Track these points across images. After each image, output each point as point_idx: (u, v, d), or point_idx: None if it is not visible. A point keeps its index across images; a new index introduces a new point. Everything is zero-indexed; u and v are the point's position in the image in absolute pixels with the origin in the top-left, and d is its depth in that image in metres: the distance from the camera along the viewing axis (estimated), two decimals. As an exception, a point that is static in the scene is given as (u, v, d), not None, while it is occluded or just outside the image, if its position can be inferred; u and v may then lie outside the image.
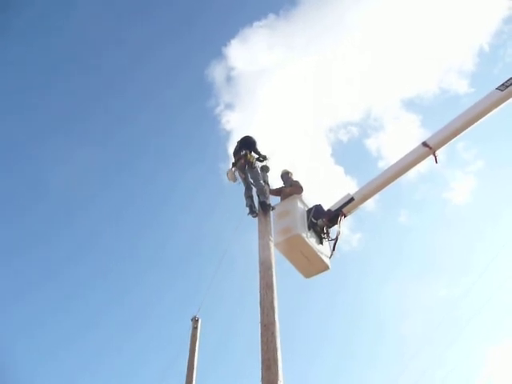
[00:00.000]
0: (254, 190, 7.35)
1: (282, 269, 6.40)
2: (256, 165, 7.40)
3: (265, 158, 7.78)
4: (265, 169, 7.73)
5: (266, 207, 6.88)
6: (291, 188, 7.29)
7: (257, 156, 7.66)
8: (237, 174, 7.52)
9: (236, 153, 7.65)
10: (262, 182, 7.25)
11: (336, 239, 6.57)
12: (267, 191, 7.23)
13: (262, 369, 4.84)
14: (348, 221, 6.84)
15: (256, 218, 6.93)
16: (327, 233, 6.67)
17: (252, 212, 7.07)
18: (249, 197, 7.27)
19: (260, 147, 7.77)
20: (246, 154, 7.35)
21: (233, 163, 7.56)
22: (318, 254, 6.35)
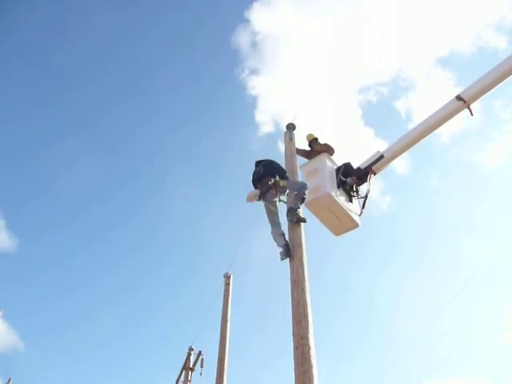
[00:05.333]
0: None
1: (311, 226, 6.46)
2: (286, 181, 6.22)
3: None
4: (291, 126, 7.41)
5: (298, 219, 5.93)
6: (322, 148, 7.15)
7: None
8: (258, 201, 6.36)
9: (259, 179, 6.43)
10: (302, 182, 6.23)
11: (365, 197, 6.55)
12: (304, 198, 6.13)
13: (292, 323, 5.00)
14: (379, 184, 6.75)
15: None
16: (357, 191, 6.65)
17: (288, 254, 5.77)
18: (281, 235, 6.05)
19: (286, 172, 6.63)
20: (275, 183, 6.13)
21: (260, 195, 6.30)
22: (348, 212, 6.37)
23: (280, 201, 6.24)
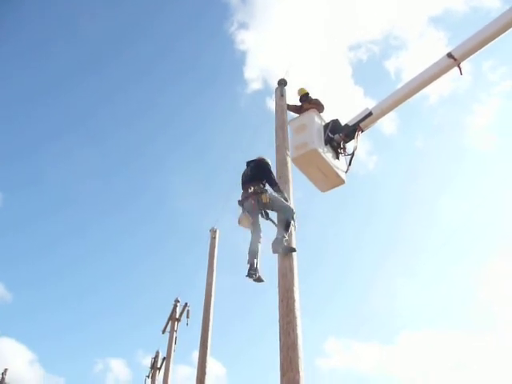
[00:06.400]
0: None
1: (297, 183, 6.50)
2: (271, 197, 5.66)
3: (279, 189, 5.88)
4: (282, 82, 7.30)
5: (285, 249, 5.25)
6: (312, 105, 7.11)
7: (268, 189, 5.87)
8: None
9: (246, 182, 6.01)
10: (290, 205, 5.61)
11: (352, 154, 6.57)
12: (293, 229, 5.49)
13: (278, 276, 5.14)
14: (366, 144, 6.75)
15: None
16: (344, 148, 6.65)
17: (252, 274, 5.42)
18: (252, 252, 5.58)
19: (274, 175, 6.11)
20: (255, 193, 5.68)
21: (239, 201, 5.92)
22: (334, 168, 6.40)
23: (267, 219, 5.80)
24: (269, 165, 6.34)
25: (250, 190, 5.73)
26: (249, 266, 5.49)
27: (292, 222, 5.45)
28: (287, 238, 5.33)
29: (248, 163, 6.41)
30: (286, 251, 5.19)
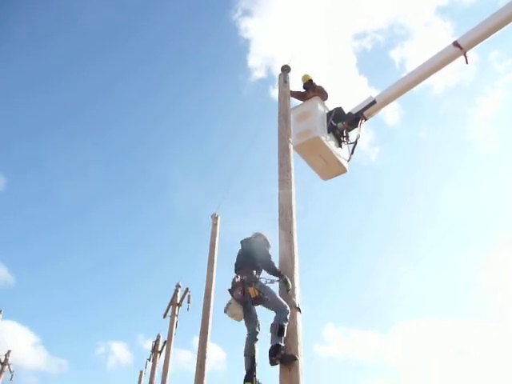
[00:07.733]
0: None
1: (298, 170, 6.49)
2: (262, 291, 4.85)
3: (279, 274, 4.90)
4: (286, 68, 7.18)
5: (286, 359, 4.38)
6: (315, 93, 7.05)
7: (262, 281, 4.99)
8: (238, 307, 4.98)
9: (240, 266, 5.19)
10: (284, 303, 4.67)
11: (355, 143, 6.55)
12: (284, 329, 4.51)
13: (279, 263, 5.18)
14: (369, 134, 6.69)
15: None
16: (347, 136, 6.63)
17: (249, 379, 4.66)
18: (249, 355, 4.84)
19: (271, 258, 5.10)
20: (244, 282, 4.88)
21: (229, 290, 5.10)
22: (337, 157, 6.38)
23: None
24: (266, 244, 5.42)
25: (237, 280, 4.98)
26: (246, 372, 4.74)
27: (285, 324, 4.55)
28: (283, 344, 4.47)
29: (242, 242, 5.54)
30: (285, 361, 4.37)
